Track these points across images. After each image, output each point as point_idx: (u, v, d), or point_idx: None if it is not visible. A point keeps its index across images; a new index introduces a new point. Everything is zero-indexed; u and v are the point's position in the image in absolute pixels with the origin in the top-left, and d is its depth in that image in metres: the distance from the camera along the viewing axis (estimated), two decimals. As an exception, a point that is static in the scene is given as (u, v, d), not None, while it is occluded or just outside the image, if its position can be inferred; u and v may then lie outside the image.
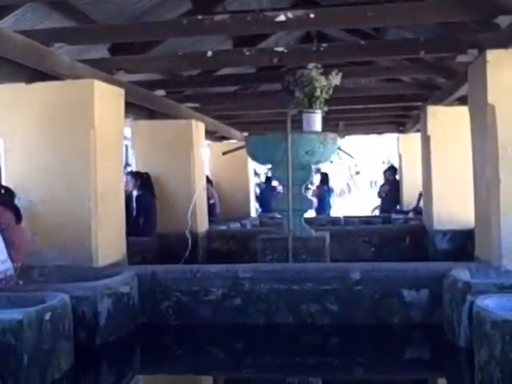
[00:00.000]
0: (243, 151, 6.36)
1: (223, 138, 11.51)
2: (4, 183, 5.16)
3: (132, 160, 8.74)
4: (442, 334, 4.41)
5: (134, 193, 7.45)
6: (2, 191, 4.88)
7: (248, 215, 11.05)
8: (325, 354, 4.40)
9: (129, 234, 5.92)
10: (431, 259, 7.04)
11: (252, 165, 11.65)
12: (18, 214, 4.83)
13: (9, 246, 4.58)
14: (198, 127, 8.23)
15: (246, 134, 10.59)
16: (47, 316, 3.57)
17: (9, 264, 4.44)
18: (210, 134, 10.29)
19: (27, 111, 5.28)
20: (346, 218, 10.77)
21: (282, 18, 4.79)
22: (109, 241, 5.38)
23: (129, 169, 9.45)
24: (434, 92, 7.59)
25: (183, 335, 4.81)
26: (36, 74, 5.12)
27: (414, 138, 9.90)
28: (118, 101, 5.74)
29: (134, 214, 7.26)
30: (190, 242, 6.76)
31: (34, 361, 3.40)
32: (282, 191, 6.95)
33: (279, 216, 7.01)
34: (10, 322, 3.32)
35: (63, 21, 5.35)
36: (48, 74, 5.11)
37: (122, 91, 5.78)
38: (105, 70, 5.69)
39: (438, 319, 4.56)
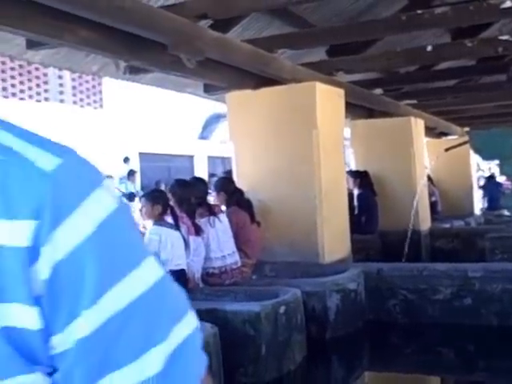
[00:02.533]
0: (464, 146, 6.12)
1: (442, 134, 11.14)
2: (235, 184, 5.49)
3: (350, 159, 8.83)
4: None
5: (355, 191, 7.52)
6: (236, 192, 5.20)
7: (471, 213, 10.59)
8: None
9: (351, 231, 5.98)
10: None
11: (474, 160, 11.12)
12: (251, 214, 5.12)
13: (244, 243, 4.89)
14: (418, 124, 8.08)
15: (466, 129, 10.13)
16: (282, 309, 3.75)
17: (237, 257, 4.71)
18: (429, 131, 10.00)
19: (254, 116, 5.58)
20: None
21: (508, 4, 4.49)
22: (334, 237, 5.48)
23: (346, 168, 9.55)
24: None
25: (411, 334, 4.76)
26: (261, 80, 5.38)
27: None
28: (338, 101, 5.84)
29: (356, 211, 7.32)
30: (408, 240, 6.62)
31: (271, 351, 3.60)
32: (509, 187, 6.58)
33: (507, 213, 6.63)
34: (249, 314, 3.55)
35: (284, 27, 5.57)
36: (271, 78, 5.35)
37: (341, 92, 5.88)
38: (324, 71, 5.81)
39: None
